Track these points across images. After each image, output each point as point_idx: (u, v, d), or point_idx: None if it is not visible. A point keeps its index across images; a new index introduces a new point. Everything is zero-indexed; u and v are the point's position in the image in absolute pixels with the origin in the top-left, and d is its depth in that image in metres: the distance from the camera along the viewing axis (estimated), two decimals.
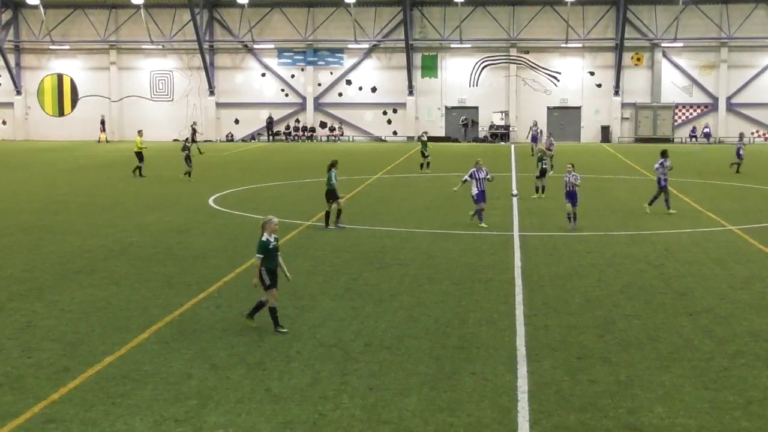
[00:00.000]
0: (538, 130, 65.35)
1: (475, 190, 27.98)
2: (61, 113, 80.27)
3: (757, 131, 74.40)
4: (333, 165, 28.11)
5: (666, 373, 13.53)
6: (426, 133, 56.75)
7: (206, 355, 14.44)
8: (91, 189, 38.88)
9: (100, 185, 40.40)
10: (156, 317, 16.79)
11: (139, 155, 44.71)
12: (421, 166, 47.07)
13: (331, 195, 27.57)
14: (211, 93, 77.95)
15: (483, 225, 27.56)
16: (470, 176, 28.19)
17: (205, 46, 76.07)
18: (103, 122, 77.60)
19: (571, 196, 27.38)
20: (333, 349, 14.75)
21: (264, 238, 15.79)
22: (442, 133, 76.09)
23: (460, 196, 30.41)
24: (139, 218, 29.83)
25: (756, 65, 74.29)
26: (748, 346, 14.96)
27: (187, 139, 46.26)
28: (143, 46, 78.15)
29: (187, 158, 42.44)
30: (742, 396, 12.54)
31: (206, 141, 75.98)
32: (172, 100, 79.04)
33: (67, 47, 79.08)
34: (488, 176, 28.26)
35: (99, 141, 75.79)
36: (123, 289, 19.32)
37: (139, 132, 47.25)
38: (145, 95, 79.18)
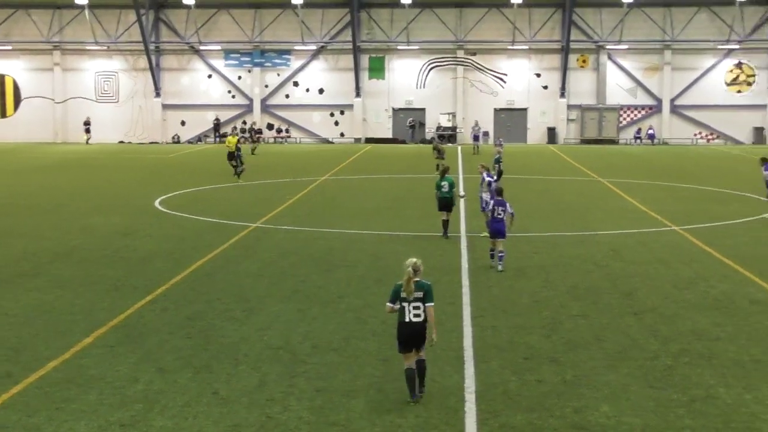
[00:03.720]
0: (480, 130, 66.43)
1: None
2: (3, 115, 79.01)
3: (700, 133, 75.43)
4: (444, 171, 26.54)
5: (612, 372, 13.66)
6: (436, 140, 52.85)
7: (152, 358, 14.30)
8: (35, 191, 38.35)
9: (44, 187, 39.86)
10: (101, 321, 16.59)
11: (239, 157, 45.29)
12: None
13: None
14: (157, 94, 77.22)
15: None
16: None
17: (151, 47, 75.30)
18: (87, 123, 76.42)
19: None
20: (280, 352, 14.69)
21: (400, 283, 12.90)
22: (389, 135, 76.20)
23: (409, 198, 30.42)
24: (84, 221, 29.48)
25: (698, 67, 75.27)
26: (691, 344, 15.16)
27: (239, 140, 46.16)
28: (88, 47, 77.18)
29: (238, 157, 43.30)
30: (686, 394, 12.70)
31: (152, 143, 75.41)
32: (118, 101, 78.15)
33: (9, 48, 77.77)
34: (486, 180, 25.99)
35: (87, 143, 74.81)
36: (68, 292, 19.07)
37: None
38: (89, 96, 78.15)
